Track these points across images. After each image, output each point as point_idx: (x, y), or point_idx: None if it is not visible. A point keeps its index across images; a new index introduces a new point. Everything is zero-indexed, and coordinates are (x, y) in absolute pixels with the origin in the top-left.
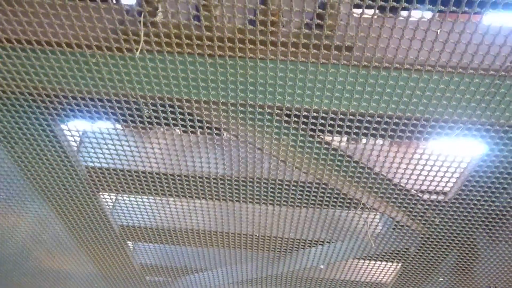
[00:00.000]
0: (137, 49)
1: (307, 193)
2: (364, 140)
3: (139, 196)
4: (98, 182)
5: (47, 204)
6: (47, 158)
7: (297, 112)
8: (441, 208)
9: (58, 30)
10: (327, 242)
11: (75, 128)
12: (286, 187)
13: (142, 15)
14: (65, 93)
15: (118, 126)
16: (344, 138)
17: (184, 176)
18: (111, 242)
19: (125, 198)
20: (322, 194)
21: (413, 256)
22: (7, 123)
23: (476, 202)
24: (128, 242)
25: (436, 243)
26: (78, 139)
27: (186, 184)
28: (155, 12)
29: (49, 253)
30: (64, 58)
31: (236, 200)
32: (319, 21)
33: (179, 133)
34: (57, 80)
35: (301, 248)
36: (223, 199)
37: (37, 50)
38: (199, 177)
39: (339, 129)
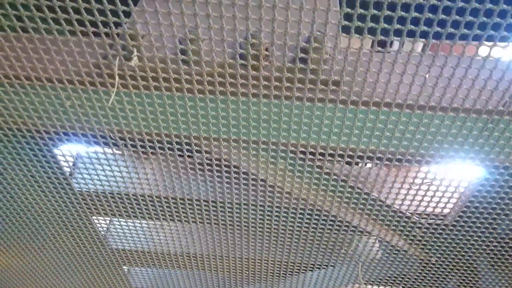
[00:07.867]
0: (113, 91)
1: (300, 217)
2: (359, 164)
3: (133, 220)
4: (92, 206)
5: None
6: (43, 181)
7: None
8: (440, 232)
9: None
10: (325, 266)
11: (68, 152)
12: (277, 211)
13: (117, 59)
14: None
15: (113, 150)
16: (339, 164)
17: (180, 199)
18: (107, 266)
19: (120, 221)
20: (317, 219)
21: (412, 282)
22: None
23: (477, 228)
24: (124, 266)
25: (436, 269)
26: (71, 163)
27: (190, 208)
28: (130, 56)
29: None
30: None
31: (231, 225)
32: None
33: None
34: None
35: (296, 273)
36: (216, 224)
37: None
38: (196, 200)
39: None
